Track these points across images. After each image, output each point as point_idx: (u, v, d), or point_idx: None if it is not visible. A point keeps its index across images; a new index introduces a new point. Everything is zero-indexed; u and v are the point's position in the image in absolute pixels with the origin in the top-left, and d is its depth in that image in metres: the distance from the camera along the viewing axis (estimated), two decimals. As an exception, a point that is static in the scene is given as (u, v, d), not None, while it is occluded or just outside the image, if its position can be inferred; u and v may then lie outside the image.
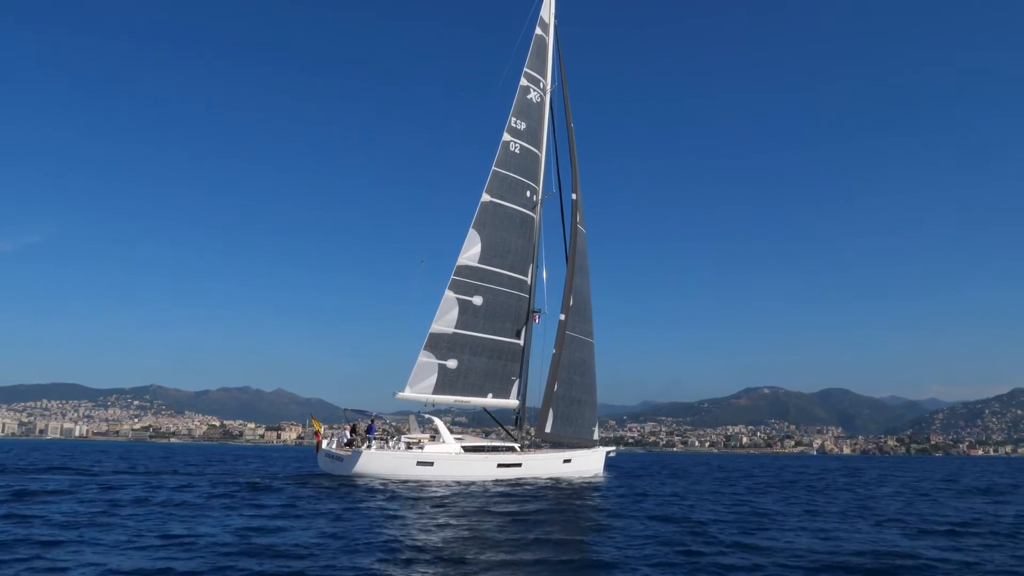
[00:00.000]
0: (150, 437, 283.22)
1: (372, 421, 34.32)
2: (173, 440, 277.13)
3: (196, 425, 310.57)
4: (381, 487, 26.81)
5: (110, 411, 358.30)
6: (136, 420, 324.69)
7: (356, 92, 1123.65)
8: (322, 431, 35.64)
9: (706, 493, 27.57)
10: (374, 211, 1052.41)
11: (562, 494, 24.53)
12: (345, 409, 36.39)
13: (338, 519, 16.78)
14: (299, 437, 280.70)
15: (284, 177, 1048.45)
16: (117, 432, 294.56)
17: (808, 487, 34.00)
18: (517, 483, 30.92)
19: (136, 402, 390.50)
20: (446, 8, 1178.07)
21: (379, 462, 31.66)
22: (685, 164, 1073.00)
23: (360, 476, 31.18)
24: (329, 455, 33.59)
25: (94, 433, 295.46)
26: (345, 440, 34.54)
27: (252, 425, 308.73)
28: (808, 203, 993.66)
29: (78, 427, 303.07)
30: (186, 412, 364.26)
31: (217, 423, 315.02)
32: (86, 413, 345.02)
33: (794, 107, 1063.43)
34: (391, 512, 18.21)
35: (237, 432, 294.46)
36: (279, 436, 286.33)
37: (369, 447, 32.17)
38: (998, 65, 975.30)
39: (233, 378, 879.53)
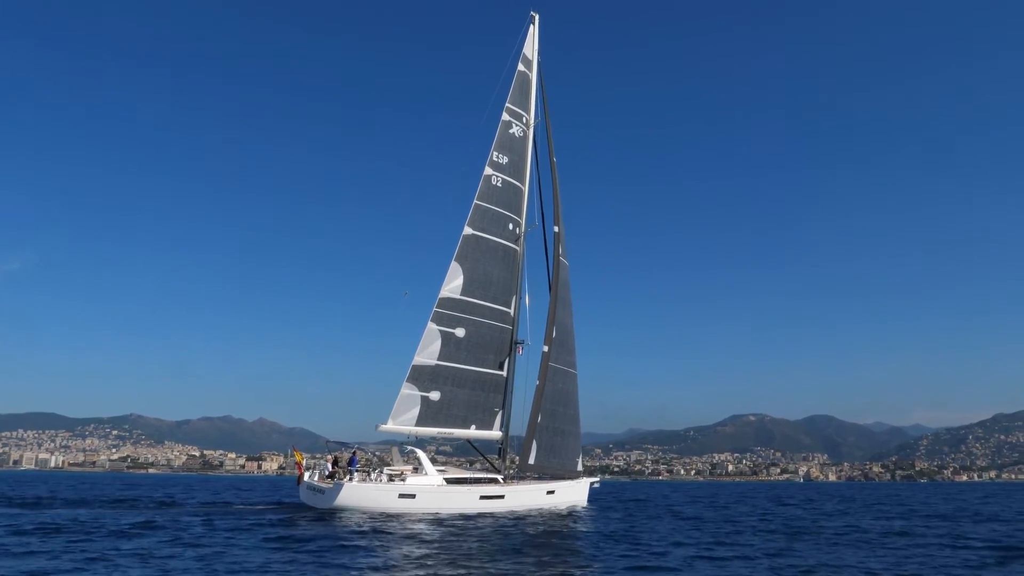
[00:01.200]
0: (127, 468, 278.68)
1: (354, 453, 34.31)
2: (151, 471, 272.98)
3: (175, 455, 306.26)
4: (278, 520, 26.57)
5: (87, 441, 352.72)
6: (114, 451, 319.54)
7: (340, 117, 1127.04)
8: (304, 463, 35.53)
9: (627, 538, 24.65)
10: (358, 238, 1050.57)
11: (470, 537, 22.71)
12: (327, 441, 36.38)
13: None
14: (280, 467, 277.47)
15: (265, 203, 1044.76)
16: (94, 463, 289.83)
17: (752, 525, 30.76)
18: (470, 518, 30.58)
19: (114, 432, 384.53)
20: (433, 33, 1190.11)
21: (361, 495, 31.64)
22: (667, 192, 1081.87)
23: (342, 509, 31.12)
24: (311, 487, 33.50)
25: (70, 464, 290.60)
26: (327, 472, 34.46)
27: (232, 455, 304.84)
28: (791, 228, 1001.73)
29: (54, 457, 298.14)
30: (166, 442, 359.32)
31: (197, 453, 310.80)
32: (63, 443, 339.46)
33: (774, 131, 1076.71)
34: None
35: (217, 462, 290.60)
36: (260, 466, 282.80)
37: (351, 479, 32.15)
38: (985, 82, 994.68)
39: (215, 407, 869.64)
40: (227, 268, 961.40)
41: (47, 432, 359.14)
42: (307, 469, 35.05)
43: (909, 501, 59.84)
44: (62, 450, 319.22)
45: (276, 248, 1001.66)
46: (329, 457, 35.92)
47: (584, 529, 26.50)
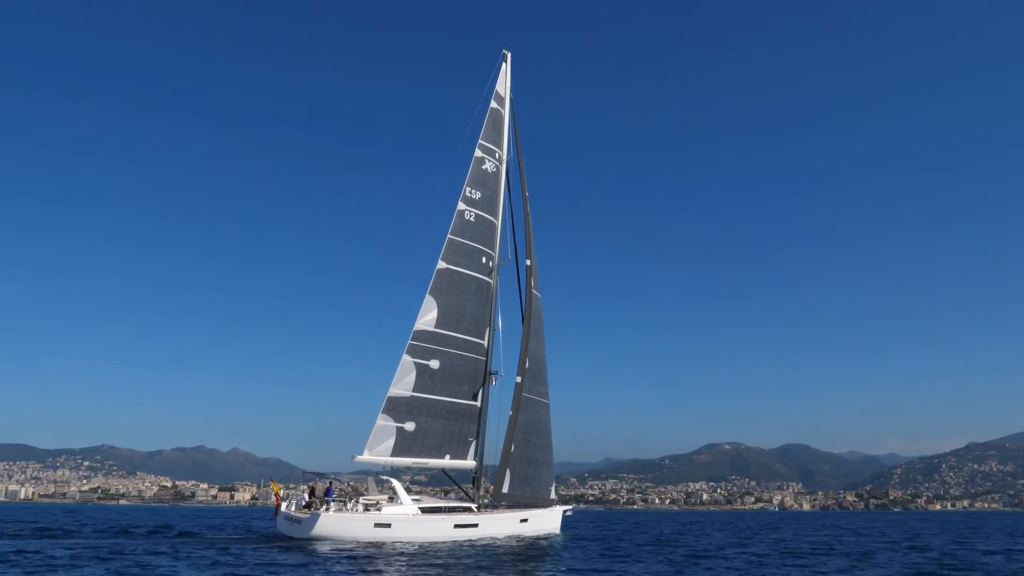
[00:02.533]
0: (98, 499, 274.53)
1: (330, 483, 34.90)
2: (122, 502, 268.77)
3: (146, 486, 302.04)
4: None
5: (59, 472, 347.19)
6: (85, 482, 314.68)
7: (314, 148, 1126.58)
8: (281, 493, 36.05)
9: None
10: (331, 270, 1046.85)
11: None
12: (304, 471, 36.91)
13: None
14: (253, 498, 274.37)
15: (238, 234, 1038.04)
16: (64, 494, 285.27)
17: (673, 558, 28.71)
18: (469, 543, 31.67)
19: (86, 463, 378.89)
20: (409, 63, 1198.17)
21: (337, 525, 32.22)
22: (641, 221, 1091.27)
23: (319, 539, 31.66)
24: (288, 518, 34.01)
25: (40, 495, 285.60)
26: (304, 503, 35.00)
27: (204, 486, 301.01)
28: (766, 257, 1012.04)
29: (24, 489, 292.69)
30: (138, 473, 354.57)
31: (169, 484, 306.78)
32: (33, 475, 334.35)
33: (749, 158, 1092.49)
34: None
35: (189, 493, 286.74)
36: (232, 497, 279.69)
37: (327, 510, 32.73)
38: (958, 105, 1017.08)
39: (188, 438, 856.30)
40: (202, 298, 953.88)
41: (18, 463, 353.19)
42: (284, 500, 35.59)
43: (865, 530, 60.11)
44: (32, 481, 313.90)
45: (250, 278, 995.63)
46: (306, 488, 36.46)
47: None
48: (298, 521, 33.03)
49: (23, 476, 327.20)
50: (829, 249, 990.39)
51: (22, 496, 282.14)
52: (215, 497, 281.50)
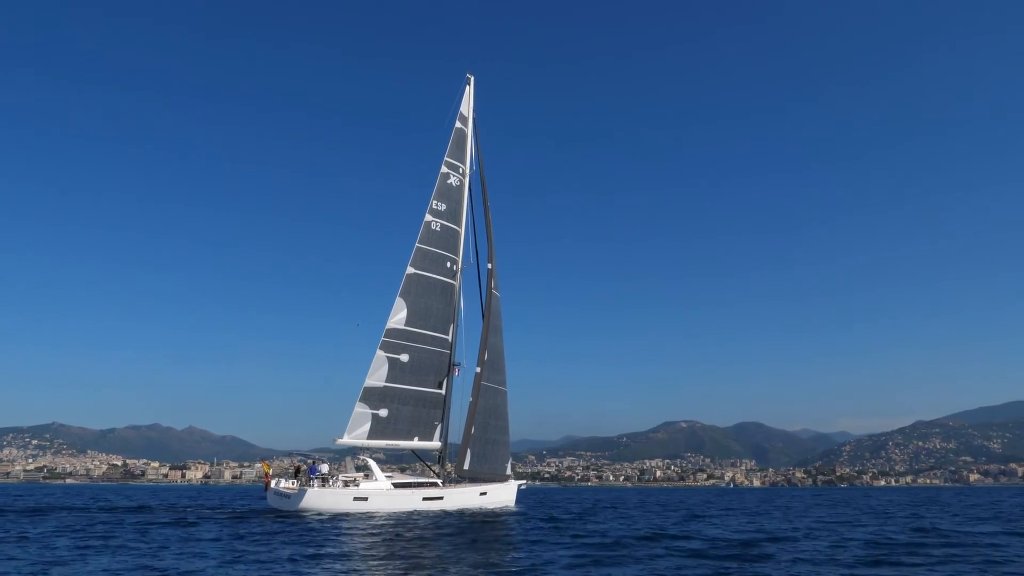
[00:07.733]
0: (43, 478, 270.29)
1: (314, 462, 39.67)
2: (69, 481, 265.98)
3: (95, 465, 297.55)
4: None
5: (4, 451, 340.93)
6: (31, 461, 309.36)
7: (308, 136, 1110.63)
8: (271, 472, 40.74)
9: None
10: (291, 250, 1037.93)
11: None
12: (291, 453, 41.56)
13: None
14: (206, 476, 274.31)
15: (186, 210, 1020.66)
16: (7, 473, 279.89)
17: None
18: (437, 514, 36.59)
19: (35, 441, 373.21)
20: (387, 86, 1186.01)
21: (322, 498, 37.03)
22: (599, 203, 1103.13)
23: (306, 511, 36.41)
24: (278, 493, 38.67)
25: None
26: (292, 480, 39.69)
27: (155, 464, 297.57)
28: (718, 238, 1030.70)
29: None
30: (88, 451, 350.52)
31: (119, 462, 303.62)
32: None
33: (699, 145, 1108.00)
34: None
35: (139, 472, 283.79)
36: (184, 475, 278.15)
37: (312, 486, 37.47)
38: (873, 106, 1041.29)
39: (142, 415, 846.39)
40: (158, 278, 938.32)
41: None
42: (273, 478, 40.31)
43: (781, 506, 58.11)
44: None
45: (206, 257, 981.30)
46: (295, 465, 41.18)
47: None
48: (287, 496, 37.67)
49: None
50: (775, 232, 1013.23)
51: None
52: (166, 476, 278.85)
